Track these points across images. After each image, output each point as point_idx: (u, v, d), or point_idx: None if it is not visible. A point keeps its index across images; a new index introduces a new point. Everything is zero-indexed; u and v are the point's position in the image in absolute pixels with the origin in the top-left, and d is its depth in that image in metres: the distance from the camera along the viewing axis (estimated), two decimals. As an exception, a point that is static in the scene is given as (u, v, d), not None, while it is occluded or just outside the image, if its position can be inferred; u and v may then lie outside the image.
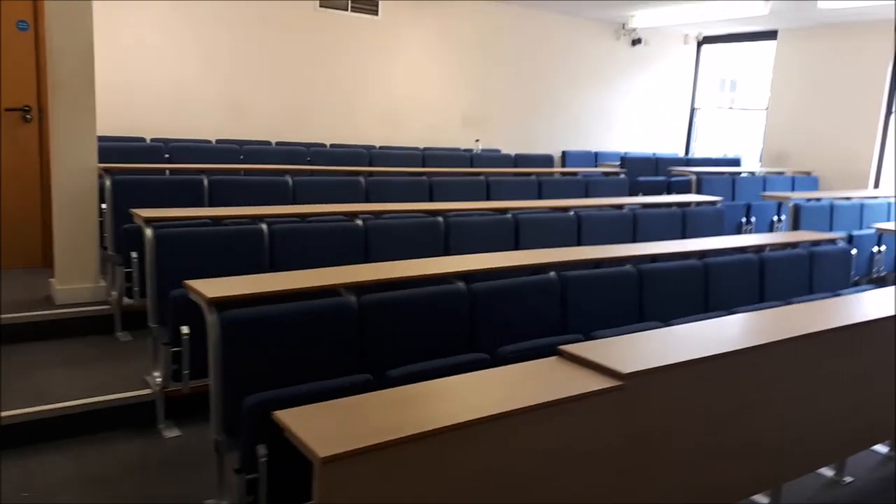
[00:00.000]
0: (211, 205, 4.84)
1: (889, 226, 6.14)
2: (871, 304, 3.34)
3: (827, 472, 3.25)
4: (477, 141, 8.37)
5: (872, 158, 8.02)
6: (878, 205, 7.27)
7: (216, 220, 3.88)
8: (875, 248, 6.39)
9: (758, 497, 2.90)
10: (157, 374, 3.46)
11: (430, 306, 3.08)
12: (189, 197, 4.80)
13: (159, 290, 3.45)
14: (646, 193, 7.16)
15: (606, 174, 7.74)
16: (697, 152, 10.56)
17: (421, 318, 3.04)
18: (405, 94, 8.10)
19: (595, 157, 9.29)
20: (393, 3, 7.79)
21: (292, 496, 2.09)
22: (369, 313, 2.87)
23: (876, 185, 8.07)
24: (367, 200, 5.43)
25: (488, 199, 5.94)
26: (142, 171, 4.99)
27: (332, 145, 7.46)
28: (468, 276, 3.36)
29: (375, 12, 7.70)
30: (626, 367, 2.26)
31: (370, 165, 6.58)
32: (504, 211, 5.06)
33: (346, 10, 7.53)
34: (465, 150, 8.18)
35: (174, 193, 4.79)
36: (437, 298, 3.11)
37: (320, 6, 7.41)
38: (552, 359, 2.40)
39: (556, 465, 2.10)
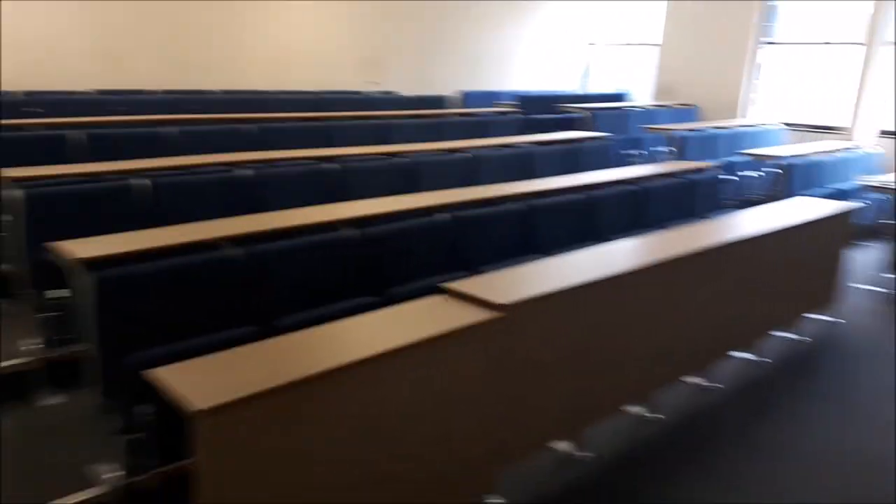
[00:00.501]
0: (91, 161, 4.59)
1: (761, 151, 6.59)
2: (736, 226, 3.63)
3: (696, 379, 3.55)
4: (372, 83, 8.23)
5: (741, 88, 8.49)
6: (751, 132, 7.76)
7: (92, 177, 3.70)
8: (747, 174, 6.86)
9: (630, 407, 3.15)
10: (34, 341, 3.33)
11: (322, 254, 3.10)
12: (65, 154, 4.52)
13: (33, 253, 3.28)
14: (541, 131, 7.32)
15: (503, 114, 7.84)
16: (593, 88, 10.83)
17: (313, 267, 3.06)
18: (294, 36, 7.83)
19: (494, 97, 9.36)
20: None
21: (177, 455, 2.10)
22: (256, 265, 2.86)
23: (744, 114, 8.58)
24: (260, 149, 5.29)
25: (385, 143, 5.91)
26: (9, 128, 4.64)
27: (222, 92, 7.17)
28: (364, 222, 3.39)
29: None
30: (506, 298, 2.39)
31: (261, 111, 6.37)
32: (401, 154, 5.07)
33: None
34: (361, 94, 8.05)
35: (50, 149, 4.50)
36: (329, 246, 3.13)
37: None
38: (439, 296, 2.49)
39: (442, 398, 2.22)
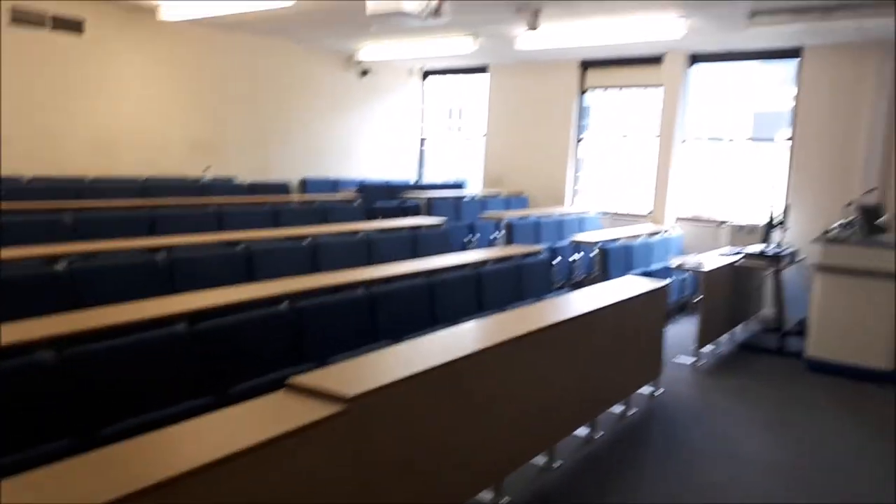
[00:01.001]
0: None
1: (582, 237, 7.18)
2: (568, 305, 3.88)
3: (540, 459, 3.65)
4: (207, 168, 7.97)
5: (566, 179, 9.33)
6: (574, 219, 8.46)
7: None
8: (573, 257, 7.42)
9: (482, 494, 3.16)
10: None
11: (151, 354, 2.86)
12: None
13: None
14: (382, 218, 7.46)
15: (344, 201, 7.91)
16: (429, 177, 11.31)
17: (140, 368, 2.80)
18: (121, 120, 7.43)
19: (335, 185, 9.45)
20: (102, 24, 7.12)
21: None
22: (74, 369, 2.57)
23: (571, 202, 9.38)
24: (77, 240, 4.86)
25: (220, 230, 5.69)
26: None
27: (30, 179, 6.56)
28: (197, 316, 3.18)
29: (78, 31, 6.95)
30: (353, 389, 2.33)
31: (79, 199, 5.89)
32: (236, 243, 4.90)
33: (44, 27, 6.70)
34: (194, 180, 7.76)
35: None
36: (158, 344, 2.90)
37: (12, 23, 6.49)
38: (281, 392, 2.38)
39: (291, 500, 2.07)
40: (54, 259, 3.92)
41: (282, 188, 8.41)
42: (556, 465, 3.68)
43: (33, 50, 6.70)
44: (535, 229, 7.68)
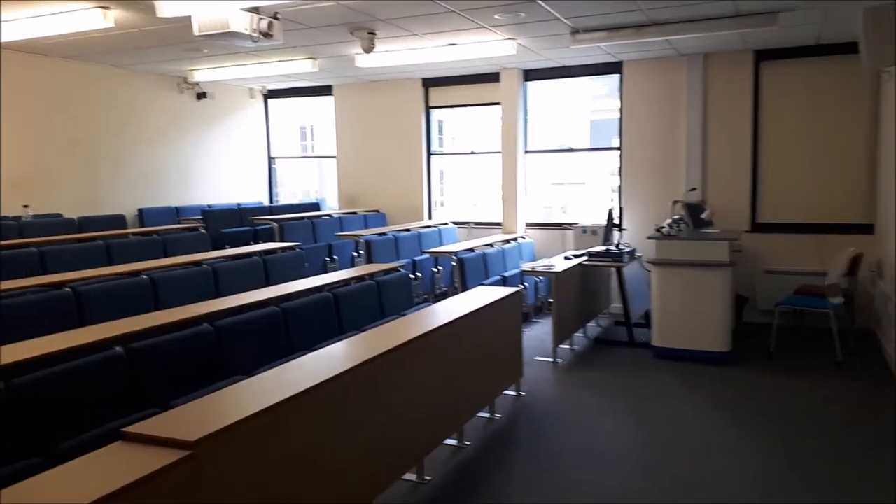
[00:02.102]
0: None
1: (439, 249, 7.26)
2: (428, 319, 3.86)
3: (410, 476, 3.59)
4: (26, 206, 7.18)
5: (422, 194, 9.42)
6: (433, 233, 8.55)
7: None
8: (434, 269, 7.48)
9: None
10: None
11: (-48, 418, 2.48)
12: None
13: None
14: (231, 245, 7.10)
15: (187, 230, 7.45)
16: (283, 198, 10.95)
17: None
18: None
19: (177, 212, 8.87)
20: None
21: None
22: None
23: (429, 216, 9.49)
24: None
25: (43, 273, 5.13)
26: None
27: None
28: (9, 372, 2.81)
29: None
30: (195, 433, 2.14)
31: None
32: (60, 285, 4.43)
33: None
34: (13, 218, 6.96)
35: None
36: (-39, 407, 2.52)
37: None
38: (118, 444, 2.15)
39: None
40: None
41: (117, 221, 7.77)
42: (426, 479, 3.63)
43: None
44: (395, 245, 7.67)
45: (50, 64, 7.53)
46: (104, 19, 5.48)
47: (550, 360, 5.96)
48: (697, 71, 7.50)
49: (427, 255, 7.37)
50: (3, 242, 5.71)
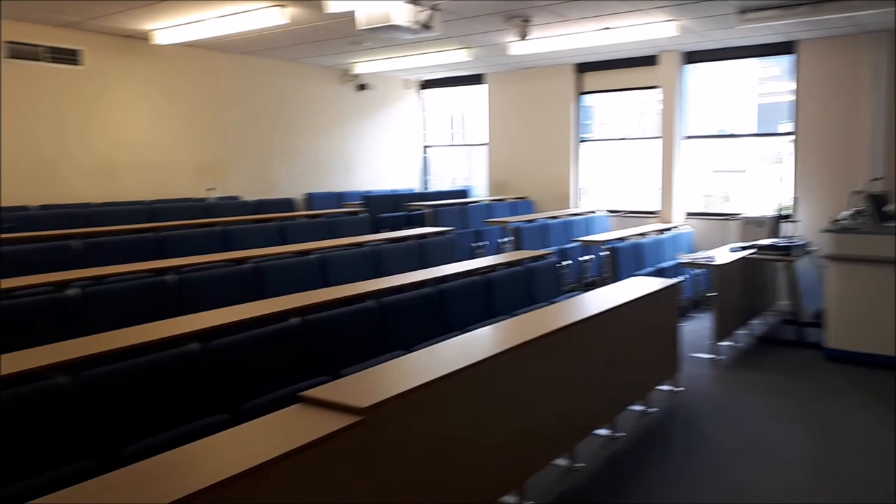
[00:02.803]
0: None
1: (589, 238, 7.14)
2: (580, 307, 3.84)
3: (562, 461, 3.61)
4: (210, 189, 7.98)
5: (570, 181, 9.31)
6: (581, 221, 8.43)
7: None
8: (581, 258, 7.38)
9: (505, 498, 3.12)
10: None
11: (162, 374, 2.85)
12: None
13: None
14: (389, 229, 7.45)
15: (350, 213, 7.91)
16: (434, 186, 11.29)
17: (153, 388, 2.79)
18: (121, 145, 7.45)
19: (339, 198, 9.45)
20: (99, 54, 7.17)
21: None
22: (86, 393, 2.55)
23: (576, 204, 9.35)
24: (87, 266, 4.87)
25: (227, 249, 5.69)
26: None
27: (39, 207, 6.59)
28: (207, 335, 3.17)
29: (75, 62, 6.98)
30: (367, 400, 2.30)
31: (87, 226, 5.91)
32: (243, 261, 4.90)
33: (38, 60, 6.73)
34: (199, 200, 7.77)
35: None
36: (169, 365, 2.88)
37: (9, 57, 6.54)
38: (295, 406, 2.35)
39: (307, 515, 2.05)
40: (65, 285, 3.92)
41: (287, 205, 8.42)
42: (578, 466, 3.63)
43: (32, 82, 6.74)
44: (543, 232, 7.65)
45: (228, 59, 8.28)
46: (280, 16, 5.95)
47: (710, 356, 5.68)
48: (883, 49, 6.74)
49: (576, 244, 7.27)
50: (192, 221, 6.41)
